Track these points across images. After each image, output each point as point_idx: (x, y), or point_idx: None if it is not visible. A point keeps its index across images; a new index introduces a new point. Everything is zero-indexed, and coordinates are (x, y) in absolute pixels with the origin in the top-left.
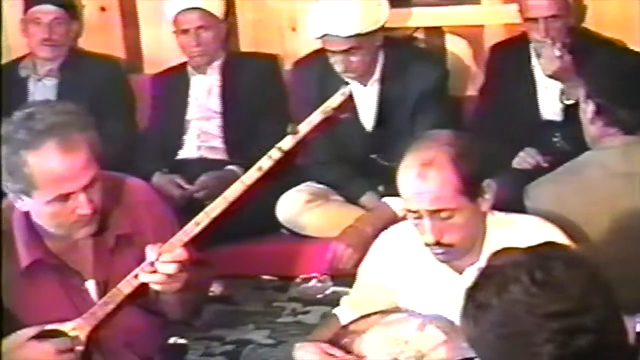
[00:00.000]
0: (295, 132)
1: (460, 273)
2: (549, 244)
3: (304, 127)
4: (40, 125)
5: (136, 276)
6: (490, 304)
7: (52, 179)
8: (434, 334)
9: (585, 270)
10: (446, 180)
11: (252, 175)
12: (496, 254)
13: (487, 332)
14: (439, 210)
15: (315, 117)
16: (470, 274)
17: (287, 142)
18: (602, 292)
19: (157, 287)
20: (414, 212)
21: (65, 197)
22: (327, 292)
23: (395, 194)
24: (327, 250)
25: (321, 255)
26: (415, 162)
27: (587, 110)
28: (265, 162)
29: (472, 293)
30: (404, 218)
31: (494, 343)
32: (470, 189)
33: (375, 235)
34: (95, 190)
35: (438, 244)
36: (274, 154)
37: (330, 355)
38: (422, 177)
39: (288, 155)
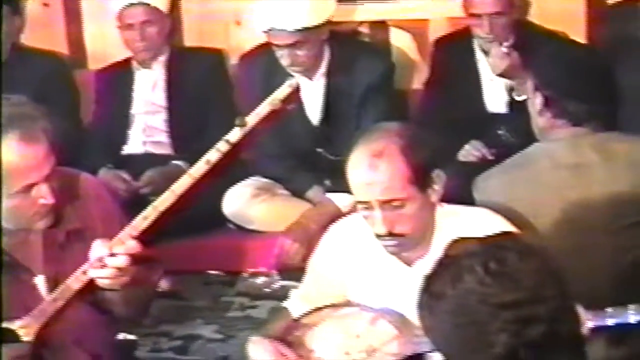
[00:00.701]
0: (243, 124)
1: (410, 265)
2: (503, 235)
3: (252, 119)
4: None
5: (85, 272)
6: (445, 293)
7: (17, 171)
8: (385, 329)
9: (539, 261)
10: (397, 170)
11: (200, 168)
12: (452, 244)
13: (443, 321)
14: (390, 201)
15: (263, 108)
16: (420, 266)
17: (235, 135)
18: (556, 283)
19: (105, 282)
20: (365, 203)
21: (28, 188)
22: (275, 286)
23: (342, 187)
24: (274, 245)
25: (268, 250)
26: (366, 154)
27: (536, 102)
28: (213, 155)
29: (427, 283)
30: (348, 214)
31: (449, 332)
32: (420, 179)
33: (320, 231)
34: (54, 181)
35: (390, 234)
36: (222, 146)
37: (283, 355)
38: (373, 167)
39: (235, 147)
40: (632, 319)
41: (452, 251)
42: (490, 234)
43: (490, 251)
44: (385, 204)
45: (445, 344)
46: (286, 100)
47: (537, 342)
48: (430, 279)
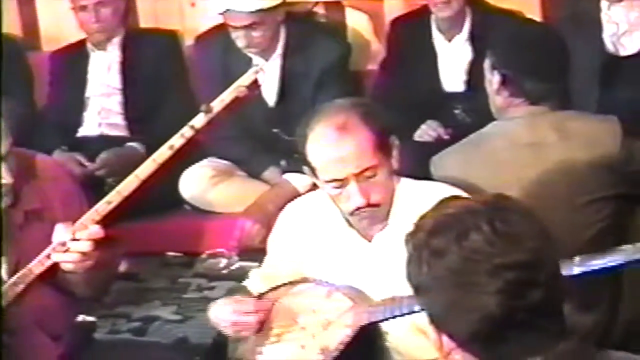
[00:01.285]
0: (208, 111)
1: (370, 240)
2: (499, 196)
3: (217, 106)
4: None
5: (48, 256)
6: (449, 250)
7: None
8: (340, 301)
9: (539, 224)
10: (363, 138)
11: (163, 153)
12: (444, 202)
13: (441, 278)
14: (364, 171)
15: (228, 95)
16: (380, 241)
17: (200, 120)
18: (553, 248)
19: (69, 267)
20: (339, 180)
21: None
22: (233, 267)
23: (298, 167)
24: (232, 226)
25: (226, 231)
26: (330, 129)
27: (493, 81)
28: (177, 141)
29: (427, 239)
30: (304, 194)
31: (445, 291)
32: (384, 144)
33: (278, 212)
34: (11, 160)
35: (368, 205)
36: (187, 132)
37: (242, 302)
38: (341, 141)
39: (198, 133)
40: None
41: (447, 209)
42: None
43: (494, 211)
44: (359, 175)
45: (438, 302)
46: (251, 86)
47: (534, 307)
48: (430, 235)
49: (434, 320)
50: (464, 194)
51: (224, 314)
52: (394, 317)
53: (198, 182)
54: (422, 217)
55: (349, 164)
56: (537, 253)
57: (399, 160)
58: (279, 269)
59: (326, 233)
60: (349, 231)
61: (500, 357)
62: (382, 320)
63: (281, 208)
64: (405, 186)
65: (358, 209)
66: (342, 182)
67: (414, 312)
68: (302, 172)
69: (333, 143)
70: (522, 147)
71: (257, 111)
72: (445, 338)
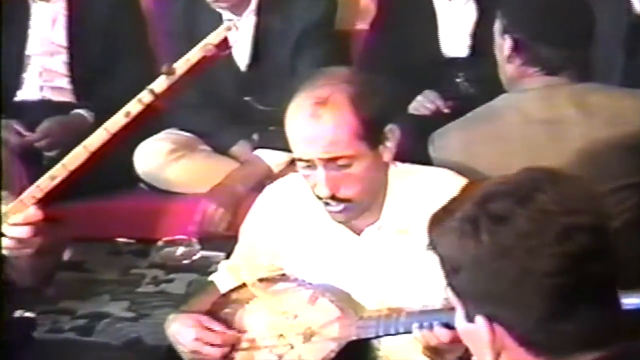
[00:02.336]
0: (170, 73)
1: (359, 234)
2: (537, 170)
3: (181, 67)
4: None
5: None
6: (513, 213)
7: None
8: (326, 309)
9: (595, 192)
10: (344, 122)
11: (117, 122)
12: (473, 185)
13: (509, 246)
14: (335, 158)
15: (194, 55)
16: (370, 235)
17: (161, 84)
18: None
19: (5, 253)
20: (306, 161)
21: None
22: (195, 257)
23: (273, 143)
24: (195, 209)
25: (187, 215)
26: (307, 102)
27: (504, 46)
28: (133, 107)
29: (482, 206)
30: (280, 174)
31: (516, 257)
32: (371, 134)
33: (248, 194)
34: None
35: (334, 198)
36: (145, 97)
37: (209, 329)
38: (316, 118)
39: (158, 98)
40: None
41: (497, 180)
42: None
43: (552, 175)
44: (329, 162)
45: (504, 277)
46: (221, 45)
47: (601, 279)
48: (486, 202)
49: (492, 305)
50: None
51: (185, 337)
52: (387, 335)
53: (155, 157)
54: (452, 201)
55: (317, 146)
56: (601, 218)
57: (393, 152)
58: (253, 262)
59: (310, 223)
60: (336, 222)
61: (561, 346)
62: (373, 338)
63: (251, 189)
64: (401, 173)
65: (322, 199)
66: (309, 164)
67: (410, 332)
68: (277, 147)
69: (306, 118)
70: (537, 125)
71: (226, 75)
72: (500, 331)
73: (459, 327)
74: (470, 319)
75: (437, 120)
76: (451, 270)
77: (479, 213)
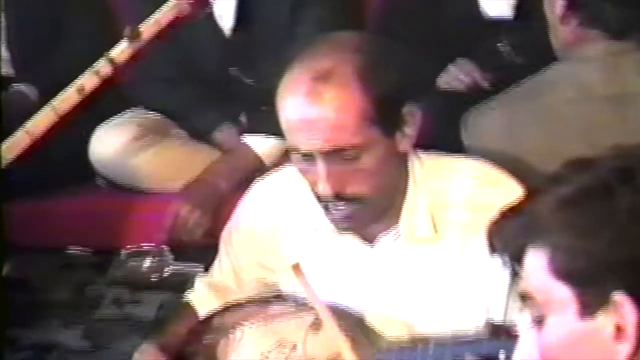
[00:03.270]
0: (135, 37)
1: (372, 244)
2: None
3: (148, 30)
4: None
5: None
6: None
7: None
8: (334, 337)
9: None
10: (350, 102)
11: (68, 99)
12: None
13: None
14: (339, 149)
15: (164, 15)
16: (385, 245)
17: (123, 51)
18: None
19: None
20: (303, 151)
21: None
22: (166, 271)
23: (264, 126)
24: (165, 210)
25: (157, 218)
26: (305, 76)
27: (556, 4)
28: (89, 81)
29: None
30: (275, 166)
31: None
32: (386, 116)
33: (233, 191)
34: None
35: (338, 198)
36: (102, 67)
37: None
38: (315, 97)
39: (119, 69)
40: None
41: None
42: (488, 196)
43: None
44: (332, 153)
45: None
46: (197, 3)
47: None
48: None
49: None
50: (507, 178)
51: None
52: None
53: (116, 145)
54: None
55: (316, 135)
56: None
57: (413, 139)
58: (239, 277)
59: (310, 228)
60: (342, 230)
61: None
62: None
63: (237, 185)
64: (424, 167)
65: (323, 200)
66: (306, 156)
67: None
68: (270, 133)
69: (303, 97)
70: (598, 101)
71: (206, 42)
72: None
73: (564, 330)
74: (590, 311)
75: (472, 97)
76: (571, 249)
77: (607, 173)
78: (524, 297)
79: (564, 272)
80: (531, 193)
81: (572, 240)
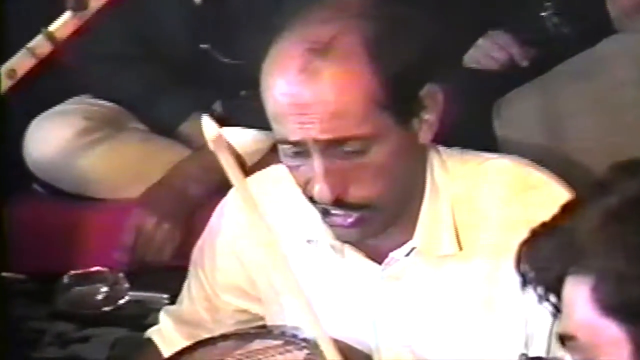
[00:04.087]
0: (81, 6)
1: (380, 261)
2: None
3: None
4: None
5: None
6: None
7: None
8: None
9: None
10: (355, 81)
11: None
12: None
13: None
14: (339, 140)
15: None
16: (398, 262)
17: (65, 24)
18: None
19: None
20: (293, 143)
21: None
22: (122, 301)
23: (244, 116)
24: (121, 223)
25: (110, 233)
26: (299, 48)
27: None
28: (23, 62)
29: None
30: (257, 165)
31: None
32: (399, 99)
33: (207, 196)
34: None
35: (338, 203)
36: (40, 45)
37: None
38: (310, 74)
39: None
40: None
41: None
42: (526, 205)
43: None
44: (331, 145)
45: None
46: None
47: None
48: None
49: None
50: (548, 179)
51: None
52: None
53: (57, 142)
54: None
55: (310, 121)
56: None
57: (434, 129)
58: (214, 305)
59: (304, 243)
60: (341, 244)
61: None
62: None
63: (211, 191)
64: (446, 164)
65: (319, 205)
66: (298, 149)
67: None
68: (251, 124)
69: (293, 75)
70: None
71: (172, 11)
72: None
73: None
74: None
75: (508, 77)
76: None
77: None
78: (565, 338)
79: (612, 305)
80: (570, 205)
81: (620, 264)
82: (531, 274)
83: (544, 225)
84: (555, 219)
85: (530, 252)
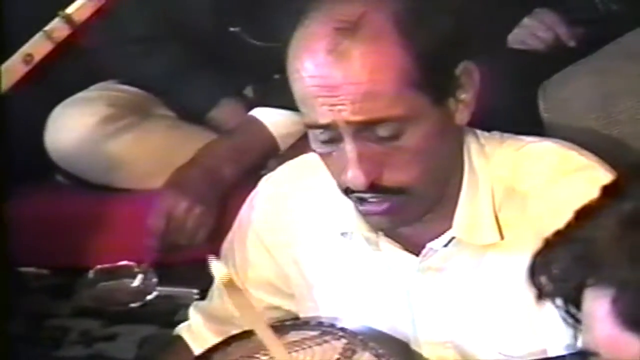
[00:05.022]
0: None
1: (417, 251)
2: None
3: None
4: None
5: None
6: None
7: None
8: None
9: None
10: (387, 60)
11: (13, 71)
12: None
13: None
14: (371, 122)
15: None
16: (437, 253)
17: (84, 5)
18: None
19: None
20: (323, 127)
21: None
22: (150, 296)
23: (277, 99)
24: (148, 214)
25: (136, 224)
26: (327, 27)
27: None
28: (40, 46)
29: None
30: (291, 151)
31: None
32: (434, 78)
33: (240, 180)
34: None
35: (373, 188)
36: (58, 28)
37: None
38: (340, 54)
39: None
40: None
41: None
42: (574, 192)
43: None
44: (363, 128)
45: None
46: None
47: None
48: None
49: None
50: (596, 165)
51: None
52: None
53: (81, 130)
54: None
55: (341, 103)
56: None
57: (471, 109)
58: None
59: (339, 235)
60: (376, 233)
61: None
62: None
63: (246, 171)
64: (486, 149)
65: (351, 193)
66: (329, 133)
67: None
68: (285, 106)
69: (322, 56)
70: None
71: None
72: None
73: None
74: None
75: (554, 58)
76: None
77: None
78: (588, 355)
79: (634, 318)
80: (584, 211)
81: None
82: (548, 286)
83: (558, 234)
84: (569, 226)
85: (546, 263)
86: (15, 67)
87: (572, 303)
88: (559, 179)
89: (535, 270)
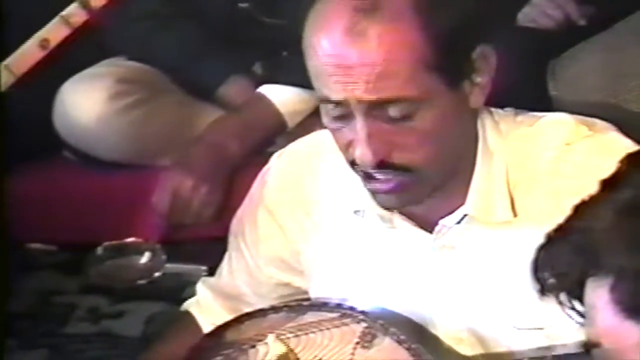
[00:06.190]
0: None
1: (431, 229)
2: None
3: None
4: None
5: None
6: None
7: None
8: (390, 353)
9: None
10: (403, 40)
11: (29, 56)
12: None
13: None
14: (385, 101)
15: None
16: (450, 230)
17: None
18: None
19: None
20: (336, 103)
21: None
22: (158, 273)
23: (286, 76)
24: (155, 190)
25: (144, 203)
26: (344, 6)
27: None
28: (55, 31)
29: None
30: (300, 129)
31: None
32: (450, 60)
33: (248, 157)
34: None
35: (382, 166)
36: (74, 13)
37: None
38: (357, 34)
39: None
40: None
41: None
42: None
43: None
44: (376, 107)
45: None
46: None
47: None
48: None
49: None
50: (612, 139)
51: None
52: None
53: (89, 106)
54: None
55: (355, 81)
56: None
57: (486, 92)
58: (256, 276)
59: (352, 213)
60: (386, 211)
61: None
62: None
63: (255, 148)
64: (499, 127)
65: (361, 170)
66: (341, 109)
67: None
68: (294, 84)
69: (339, 35)
70: None
71: None
72: None
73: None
74: None
75: (564, 36)
76: None
77: None
78: (590, 346)
79: (633, 306)
80: (583, 204)
81: (638, 261)
82: (551, 281)
83: (559, 228)
84: (570, 219)
85: (549, 257)
86: (31, 51)
87: (576, 298)
88: (573, 145)
89: (538, 265)
